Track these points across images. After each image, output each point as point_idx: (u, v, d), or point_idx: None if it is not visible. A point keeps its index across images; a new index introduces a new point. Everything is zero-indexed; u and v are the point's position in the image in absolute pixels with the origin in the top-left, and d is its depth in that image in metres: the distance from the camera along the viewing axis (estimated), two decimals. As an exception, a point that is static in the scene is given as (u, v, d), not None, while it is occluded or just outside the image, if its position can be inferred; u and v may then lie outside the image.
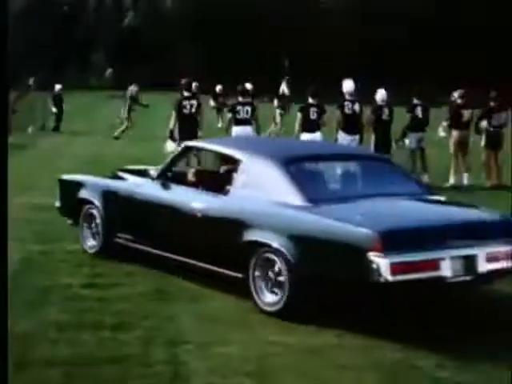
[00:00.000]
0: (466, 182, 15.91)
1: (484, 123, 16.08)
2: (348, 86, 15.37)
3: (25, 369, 6.05)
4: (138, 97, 27.69)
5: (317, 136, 15.04)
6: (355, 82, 15.45)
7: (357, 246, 6.76)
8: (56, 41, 61.13)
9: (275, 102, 26.98)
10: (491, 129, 16.04)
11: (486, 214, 7.91)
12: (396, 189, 8.06)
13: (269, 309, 7.39)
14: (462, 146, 16.15)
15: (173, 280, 8.47)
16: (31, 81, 35.97)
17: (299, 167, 8.01)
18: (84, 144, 24.00)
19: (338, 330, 6.92)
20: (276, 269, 7.31)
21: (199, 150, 9.19)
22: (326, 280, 7.03)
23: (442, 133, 16.49)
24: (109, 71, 63.76)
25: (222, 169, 9.06)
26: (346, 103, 15.28)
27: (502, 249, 7.27)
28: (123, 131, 25.96)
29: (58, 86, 28.94)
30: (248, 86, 27.49)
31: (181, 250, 8.30)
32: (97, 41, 65.82)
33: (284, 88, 27.70)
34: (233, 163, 8.39)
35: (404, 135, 16.26)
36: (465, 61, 48.58)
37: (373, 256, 6.60)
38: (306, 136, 14.97)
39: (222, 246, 7.80)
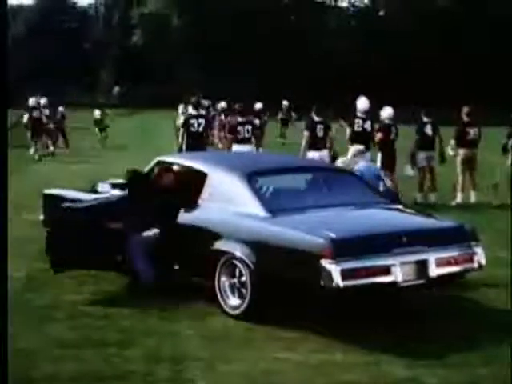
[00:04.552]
0: (473, 199, 15.79)
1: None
2: (362, 103, 15.34)
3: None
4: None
5: (324, 154, 14.88)
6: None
7: (310, 253, 7.12)
8: (63, 58, 61.39)
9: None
10: None
11: (439, 222, 8.34)
12: (354, 198, 8.52)
13: (232, 312, 7.80)
14: (469, 163, 16.01)
15: (175, 297, 8.41)
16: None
17: (261, 180, 8.40)
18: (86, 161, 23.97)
19: (342, 347, 6.91)
20: (239, 275, 7.74)
21: (170, 164, 9.36)
22: (283, 285, 7.44)
23: (450, 151, 16.31)
24: (116, 89, 63.98)
25: (192, 182, 9.15)
26: (356, 120, 15.24)
27: (453, 254, 7.60)
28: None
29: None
30: (258, 104, 27.66)
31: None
32: (104, 58, 66.09)
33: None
34: (201, 177, 8.70)
35: (413, 156, 15.95)
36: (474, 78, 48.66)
37: (324, 262, 6.95)
38: (313, 154, 14.82)
39: (192, 256, 8.27)
